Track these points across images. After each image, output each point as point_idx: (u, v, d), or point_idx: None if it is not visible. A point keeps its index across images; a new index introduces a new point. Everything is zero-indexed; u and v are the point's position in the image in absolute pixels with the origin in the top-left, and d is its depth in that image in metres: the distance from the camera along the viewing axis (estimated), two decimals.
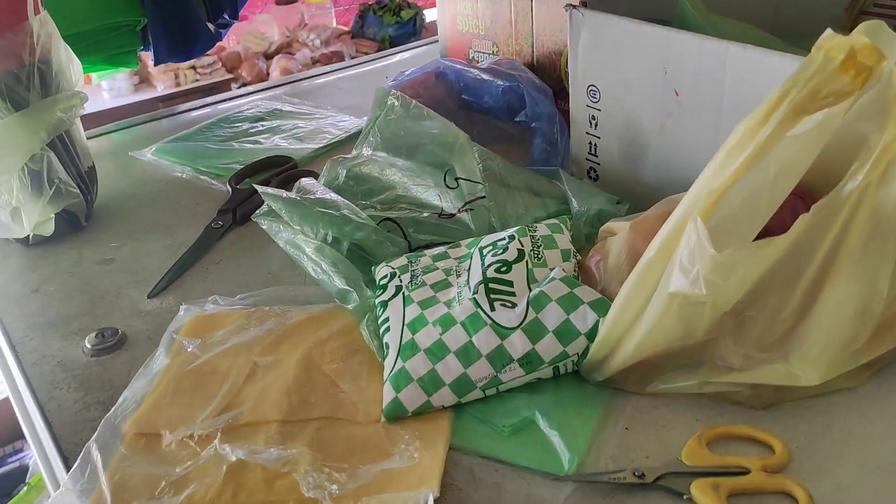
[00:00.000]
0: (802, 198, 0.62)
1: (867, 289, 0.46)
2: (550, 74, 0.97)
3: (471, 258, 0.67)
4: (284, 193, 0.77)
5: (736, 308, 0.51)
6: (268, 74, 3.58)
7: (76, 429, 0.59)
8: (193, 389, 0.60)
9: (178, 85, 3.42)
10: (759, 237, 0.50)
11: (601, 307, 0.58)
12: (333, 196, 0.76)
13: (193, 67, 3.43)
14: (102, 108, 3.14)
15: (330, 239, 0.72)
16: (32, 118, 0.76)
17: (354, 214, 0.73)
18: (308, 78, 1.31)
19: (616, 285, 0.60)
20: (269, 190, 0.77)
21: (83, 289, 0.76)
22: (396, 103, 0.83)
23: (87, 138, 1.08)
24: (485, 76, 0.93)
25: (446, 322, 0.59)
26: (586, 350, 0.58)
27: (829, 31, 0.39)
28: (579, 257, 0.66)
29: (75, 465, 0.54)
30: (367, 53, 3.70)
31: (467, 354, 0.57)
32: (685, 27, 0.75)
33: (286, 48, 3.75)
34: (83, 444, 0.56)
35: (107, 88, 3.23)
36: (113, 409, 0.59)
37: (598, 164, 0.82)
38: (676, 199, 0.62)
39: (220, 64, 3.56)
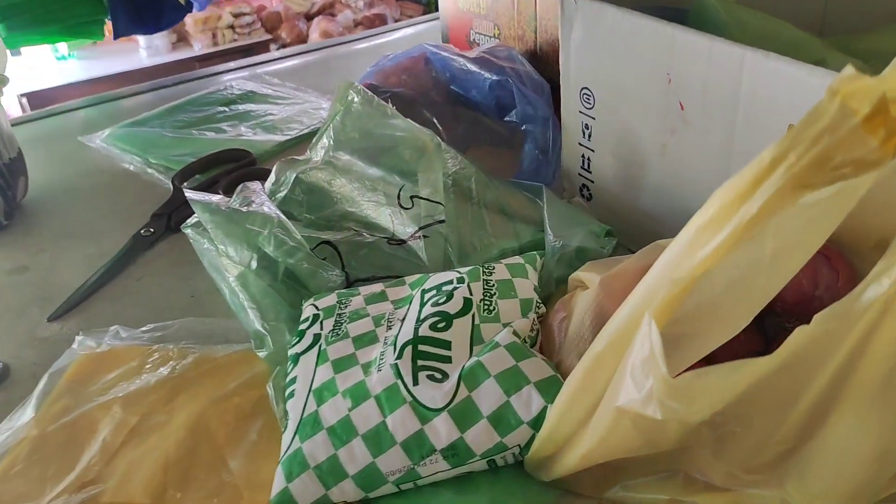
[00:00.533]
0: (827, 256, 0.48)
1: (891, 431, 0.32)
2: (554, 66, 0.83)
3: (410, 303, 0.54)
4: (215, 201, 0.65)
5: (714, 420, 0.38)
6: (307, 36, 3.47)
7: None
8: (54, 454, 0.50)
9: (215, 44, 3.33)
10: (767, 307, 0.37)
11: (550, 390, 0.45)
12: (270, 209, 0.64)
13: (232, 27, 3.35)
14: (140, 66, 3.08)
15: (255, 265, 0.60)
16: None
17: (287, 235, 0.61)
18: (298, 54, 1.19)
19: (575, 358, 0.48)
20: (196, 196, 0.65)
21: None
22: (357, 99, 0.70)
23: (43, 117, 0.99)
24: (472, 67, 0.79)
25: (358, 394, 0.47)
26: (531, 440, 0.45)
27: (849, 68, 0.26)
28: (543, 309, 0.54)
29: None
30: (411, 17, 3.55)
31: (378, 440, 0.45)
32: (702, 22, 0.60)
33: (328, 9, 3.64)
34: None
35: (144, 46, 3.16)
36: None
37: (592, 181, 0.68)
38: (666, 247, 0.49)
39: (260, 24, 3.46)
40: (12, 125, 0.97)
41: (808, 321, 0.50)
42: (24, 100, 2.58)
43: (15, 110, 2.41)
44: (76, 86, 2.80)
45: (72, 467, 0.49)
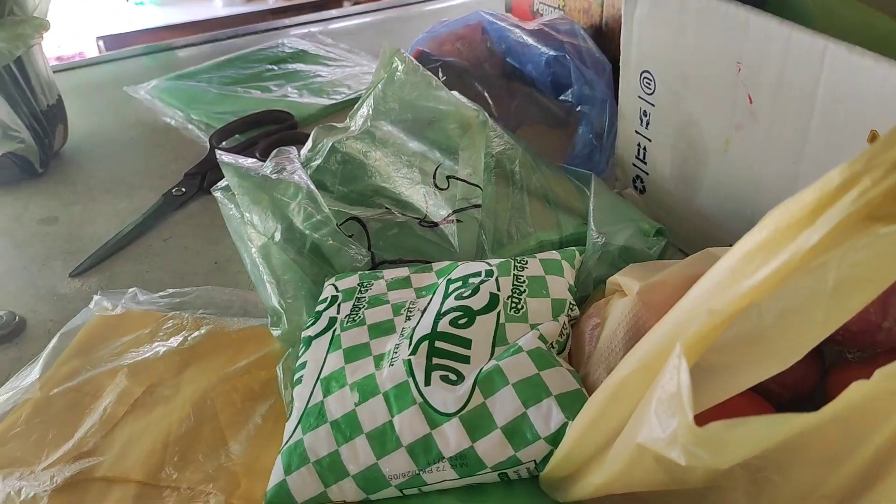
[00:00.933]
0: None
1: None
2: (619, 45, 0.77)
3: (433, 293, 0.51)
4: (246, 165, 0.62)
5: (750, 463, 0.33)
6: None
7: None
8: (56, 420, 0.48)
9: None
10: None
11: (573, 405, 0.41)
12: (301, 178, 0.61)
13: None
14: (215, 15, 3.08)
15: (279, 237, 0.57)
16: None
17: (316, 207, 0.58)
18: (358, 14, 1.15)
19: (603, 372, 0.44)
20: (228, 157, 0.63)
21: (8, 253, 0.66)
22: (401, 67, 0.66)
23: (94, 64, 0.98)
24: (530, 40, 0.74)
25: (366, 388, 0.44)
26: (549, 456, 0.42)
27: None
28: (576, 312, 0.49)
29: None
30: None
31: (383, 440, 0.42)
32: (784, 7, 0.54)
33: None
34: None
35: None
36: None
37: (647, 173, 0.63)
38: (718, 256, 0.45)
39: None
40: (68, 69, 0.97)
41: (871, 352, 0.45)
42: (101, 42, 2.61)
43: (92, 51, 2.44)
44: (151, 31, 2.81)
45: (71, 435, 0.47)
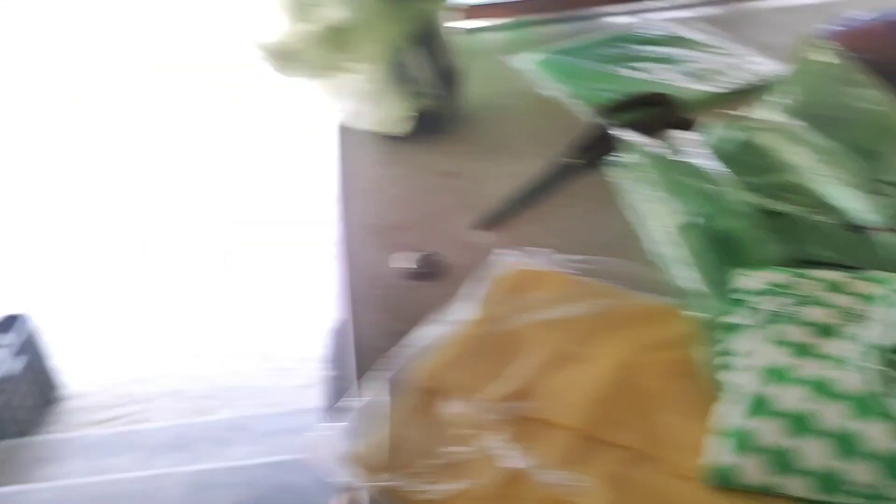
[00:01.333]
0: None
1: None
2: None
3: (877, 303, 0.48)
4: (650, 145, 0.64)
5: None
6: None
7: (371, 355, 0.55)
8: (488, 357, 0.53)
9: None
10: None
11: None
12: (710, 162, 0.61)
13: None
14: None
15: (690, 219, 0.58)
16: (397, 6, 0.71)
17: (731, 195, 0.58)
18: (724, 2, 1.11)
19: None
20: (628, 135, 0.64)
21: (418, 199, 0.73)
22: (820, 59, 0.63)
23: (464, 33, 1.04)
24: None
25: (820, 388, 0.44)
26: None
27: None
28: None
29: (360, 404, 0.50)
30: None
31: (842, 445, 0.42)
32: None
33: None
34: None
35: None
36: (403, 355, 0.54)
37: None
38: None
39: None
40: None
41: None
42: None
43: None
44: (515, 4, 2.92)
45: (501, 373, 0.51)
